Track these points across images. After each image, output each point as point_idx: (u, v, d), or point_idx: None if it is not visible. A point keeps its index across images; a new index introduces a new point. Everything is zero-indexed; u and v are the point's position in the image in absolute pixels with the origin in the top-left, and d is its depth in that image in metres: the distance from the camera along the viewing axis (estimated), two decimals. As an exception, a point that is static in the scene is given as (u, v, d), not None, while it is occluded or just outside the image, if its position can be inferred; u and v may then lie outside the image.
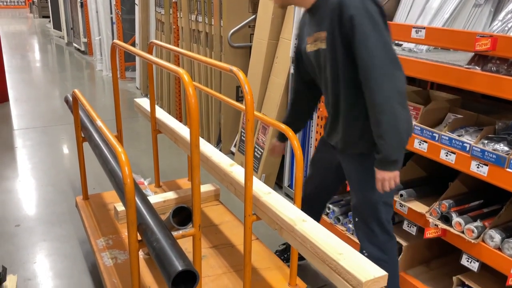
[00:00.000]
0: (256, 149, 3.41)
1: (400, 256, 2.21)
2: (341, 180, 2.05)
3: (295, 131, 1.95)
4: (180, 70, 1.44)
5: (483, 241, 1.81)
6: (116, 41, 2.19)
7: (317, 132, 2.77)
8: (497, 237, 1.76)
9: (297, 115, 2.09)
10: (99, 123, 1.65)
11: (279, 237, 1.56)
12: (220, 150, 4.03)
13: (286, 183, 3.30)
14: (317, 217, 2.22)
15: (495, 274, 1.88)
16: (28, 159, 3.86)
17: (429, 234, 1.96)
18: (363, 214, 1.82)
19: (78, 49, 9.58)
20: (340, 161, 1.87)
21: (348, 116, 1.71)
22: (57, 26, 11.37)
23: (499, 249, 1.76)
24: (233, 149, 4.03)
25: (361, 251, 1.84)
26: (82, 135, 2.37)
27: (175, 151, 4.01)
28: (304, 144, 3.07)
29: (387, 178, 1.61)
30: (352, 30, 1.51)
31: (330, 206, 2.72)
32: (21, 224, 2.81)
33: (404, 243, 2.22)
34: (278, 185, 3.44)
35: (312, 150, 2.96)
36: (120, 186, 1.67)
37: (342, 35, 1.55)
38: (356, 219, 1.87)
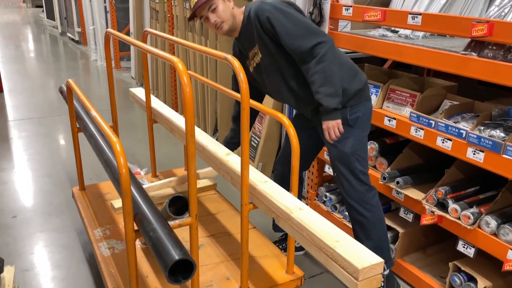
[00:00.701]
0: (252, 138, 3.40)
1: (397, 243, 2.22)
2: (315, 147, 2.24)
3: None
4: (174, 58, 1.42)
5: (479, 227, 1.82)
6: (109, 30, 2.17)
7: (313, 120, 2.76)
8: (493, 223, 1.77)
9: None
10: (94, 113, 1.64)
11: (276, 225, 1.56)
12: (217, 139, 4.02)
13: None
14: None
15: (491, 260, 1.89)
16: (24, 150, 3.84)
17: (426, 220, 1.97)
18: (338, 167, 1.97)
19: (72, 39, 9.49)
20: (316, 126, 2.03)
21: (307, 92, 1.90)
22: (51, 15, 11.24)
23: (495, 234, 1.77)
24: (229, 138, 4.02)
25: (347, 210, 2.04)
26: (77, 126, 2.35)
27: (171, 141, 4.00)
28: (300, 133, 3.06)
29: (331, 126, 1.86)
30: (273, 28, 1.79)
31: (327, 194, 2.73)
32: (17, 215, 2.80)
33: (400, 230, 2.23)
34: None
35: (308, 139, 2.96)
36: (116, 176, 1.66)
37: (268, 35, 1.83)
38: (335, 174, 2.02)
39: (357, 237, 2.01)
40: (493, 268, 1.91)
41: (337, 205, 2.68)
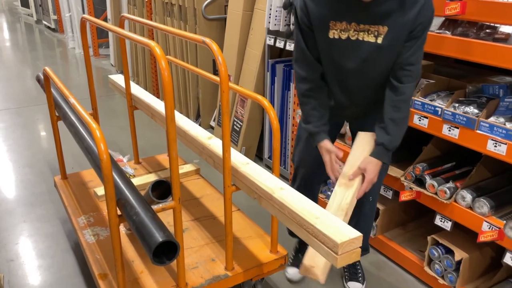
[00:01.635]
0: (235, 122, 3.41)
1: (377, 220, 2.28)
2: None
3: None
4: (151, 42, 1.41)
5: (455, 201, 1.88)
6: (85, 15, 2.13)
7: (294, 102, 2.78)
8: (468, 196, 1.83)
9: (325, 112, 1.79)
10: (72, 100, 1.62)
11: (261, 207, 1.59)
12: (200, 125, 4.01)
13: (266, 155, 3.33)
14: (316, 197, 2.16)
15: (467, 232, 1.96)
16: (3, 141, 3.77)
17: (404, 197, 2.02)
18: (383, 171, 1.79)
19: (48, 27, 9.27)
20: (352, 126, 1.98)
21: (375, 101, 1.73)
22: (25, 3, 10.92)
23: (470, 208, 1.84)
24: (212, 123, 4.02)
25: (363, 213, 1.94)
26: (57, 114, 2.33)
27: (154, 127, 3.98)
28: (282, 116, 3.09)
29: (377, 167, 1.66)
30: (417, 35, 1.54)
31: (310, 175, 2.77)
32: (0, 206, 2.78)
33: (381, 207, 2.29)
34: (258, 157, 3.47)
35: (290, 121, 2.98)
36: (97, 162, 1.66)
37: (407, 36, 1.55)
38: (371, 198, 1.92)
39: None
40: (469, 240, 1.98)
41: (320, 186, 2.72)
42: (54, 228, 2.55)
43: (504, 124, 1.69)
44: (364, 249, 1.98)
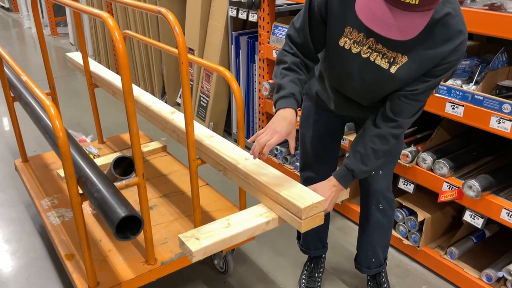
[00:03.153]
0: (201, 97, 3.37)
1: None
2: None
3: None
4: (103, 13, 1.36)
5: (417, 164, 1.93)
6: (34, -11, 2.03)
7: (259, 75, 2.76)
8: (429, 159, 1.88)
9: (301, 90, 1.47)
10: (25, 77, 1.55)
11: (231, 181, 1.57)
12: (166, 102, 3.95)
13: (234, 129, 3.32)
14: None
15: (429, 194, 2.03)
16: (-41, 127, 3.61)
17: (369, 163, 2.06)
18: (392, 163, 1.68)
19: (2, 6, 8.79)
20: (357, 122, 1.71)
21: (372, 105, 1.52)
22: (-26, -19, 10.29)
23: (431, 170, 1.89)
24: (179, 100, 3.96)
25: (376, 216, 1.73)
26: (12, 95, 2.23)
27: (118, 107, 3.88)
28: (248, 88, 3.07)
29: (336, 192, 1.48)
30: (436, 74, 1.30)
31: (278, 147, 2.79)
32: (-41, 194, 2.68)
33: (347, 174, 2.33)
34: (227, 132, 3.46)
35: (256, 94, 2.96)
36: (55, 141, 1.61)
37: (431, 65, 1.30)
38: (381, 172, 1.64)
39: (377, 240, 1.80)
40: (431, 201, 2.05)
41: (288, 157, 2.75)
42: (19, 212, 2.49)
43: (461, 86, 1.73)
44: (379, 265, 1.82)
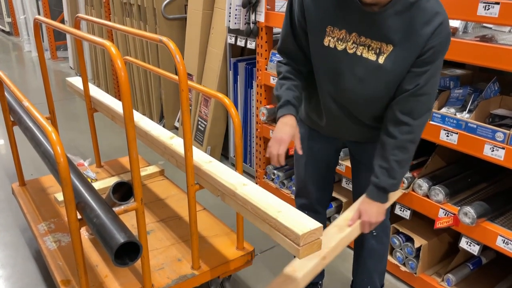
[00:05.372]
0: (199, 122, 3.40)
1: (341, 212, 2.33)
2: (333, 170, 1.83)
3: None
4: (106, 42, 1.39)
5: (413, 190, 1.95)
6: (38, 17, 2.07)
7: (257, 100, 2.80)
8: (425, 185, 1.90)
9: (300, 95, 1.53)
10: (26, 103, 1.58)
11: (228, 206, 1.59)
12: (164, 126, 3.97)
13: (232, 153, 3.34)
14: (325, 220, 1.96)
15: (425, 220, 2.04)
16: (-44, 150, 3.61)
17: (365, 188, 2.08)
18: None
19: (3, 30, 8.90)
20: (352, 150, 1.70)
21: (371, 123, 1.52)
22: (-24, 5, 10.44)
23: (427, 196, 1.91)
24: (177, 124, 3.99)
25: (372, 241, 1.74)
26: (12, 119, 2.25)
27: (116, 130, 3.91)
28: (246, 114, 3.10)
29: (375, 212, 1.48)
30: (427, 61, 1.30)
31: (275, 172, 2.80)
32: (-46, 218, 2.66)
33: (344, 199, 2.34)
34: (224, 156, 3.47)
35: (254, 119, 3.00)
36: (55, 167, 1.62)
37: (415, 61, 1.31)
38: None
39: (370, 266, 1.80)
40: (428, 227, 2.06)
41: (285, 182, 2.76)
42: (14, 236, 2.47)
43: (455, 115, 1.77)
44: None
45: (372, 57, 1.33)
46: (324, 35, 1.38)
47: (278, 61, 1.57)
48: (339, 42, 1.36)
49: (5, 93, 2.21)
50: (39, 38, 2.22)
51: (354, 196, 1.73)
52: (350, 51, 1.35)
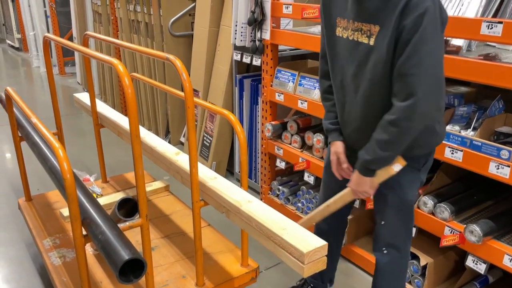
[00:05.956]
0: (205, 137, 3.42)
1: (346, 229, 2.32)
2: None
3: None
4: (114, 60, 1.42)
5: (418, 207, 1.94)
6: (47, 34, 2.12)
7: (262, 116, 2.82)
8: (430, 202, 1.89)
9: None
10: (34, 119, 1.60)
11: (232, 222, 1.59)
12: (169, 141, 4.00)
13: (237, 169, 3.35)
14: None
15: (430, 238, 2.03)
16: (-36, 164, 3.64)
17: (370, 205, 2.07)
18: (393, 216, 1.65)
19: (12, 46, 9.06)
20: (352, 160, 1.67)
21: (373, 127, 1.48)
22: (-13, 22, 10.65)
23: (432, 213, 1.90)
24: (182, 139, 4.01)
25: (381, 250, 1.71)
26: (19, 134, 2.27)
27: (122, 146, 3.93)
28: (251, 130, 3.12)
29: (363, 184, 1.54)
30: (406, 38, 1.30)
31: (280, 187, 2.80)
32: (-40, 232, 2.67)
33: (349, 216, 2.33)
34: (229, 171, 3.48)
35: (259, 135, 3.01)
36: (61, 182, 1.63)
37: (396, 39, 1.32)
38: (382, 222, 1.67)
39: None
40: (433, 244, 2.04)
41: (290, 198, 2.76)
42: (19, 251, 2.47)
43: (460, 132, 1.77)
44: None
45: (365, 40, 1.41)
46: (335, 26, 1.52)
47: (320, 71, 1.72)
48: (343, 30, 1.49)
49: (14, 109, 2.25)
50: (48, 55, 2.26)
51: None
52: (351, 38, 1.46)
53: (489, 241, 1.73)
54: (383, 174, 1.51)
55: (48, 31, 6.54)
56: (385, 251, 1.69)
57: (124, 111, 4.75)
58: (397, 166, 1.48)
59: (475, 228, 1.70)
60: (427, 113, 1.36)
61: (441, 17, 1.32)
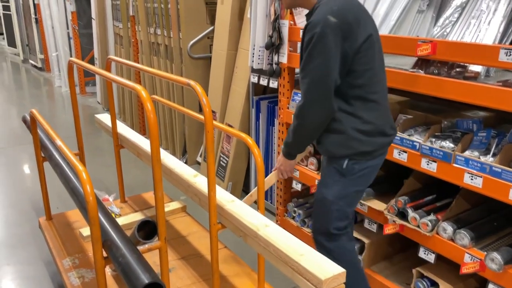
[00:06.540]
0: (221, 158, 3.45)
1: (364, 254, 2.30)
2: None
3: None
4: (137, 86, 1.46)
5: (437, 233, 1.92)
6: (72, 58, 2.19)
7: (279, 138, 2.84)
8: (449, 229, 1.87)
9: None
10: (59, 142, 1.65)
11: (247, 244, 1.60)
12: (186, 161, 4.04)
13: (252, 189, 3.35)
14: None
15: (450, 264, 1.99)
16: (-13, 182, 3.74)
17: (388, 230, 2.06)
18: (316, 208, 1.91)
19: (35, 66, 9.33)
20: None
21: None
22: (12, 43, 11.02)
23: (452, 240, 1.87)
24: (199, 159, 4.05)
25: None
26: (42, 155, 2.34)
27: (140, 165, 3.99)
28: (267, 151, 3.14)
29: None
30: (305, 49, 1.65)
31: (296, 209, 2.80)
32: (-18, 249, 2.73)
33: (366, 241, 2.31)
34: (245, 192, 3.49)
35: (275, 156, 3.03)
36: (83, 204, 1.67)
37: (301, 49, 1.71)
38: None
39: None
40: (453, 271, 2.00)
41: (306, 220, 2.75)
42: (38, 271, 2.51)
43: (479, 158, 1.75)
44: None
45: None
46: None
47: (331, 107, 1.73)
48: None
49: (38, 130, 2.31)
50: (72, 78, 2.33)
51: None
52: None
53: (510, 269, 1.69)
54: (297, 158, 1.95)
55: (71, 52, 6.74)
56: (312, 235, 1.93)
57: (142, 130, 4.82)
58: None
59: (496, 256, 1.67)
60: (311, 115, 1.68)
61: (335, 33, 1.58)
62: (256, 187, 1.81)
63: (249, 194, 2.13)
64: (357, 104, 1.67)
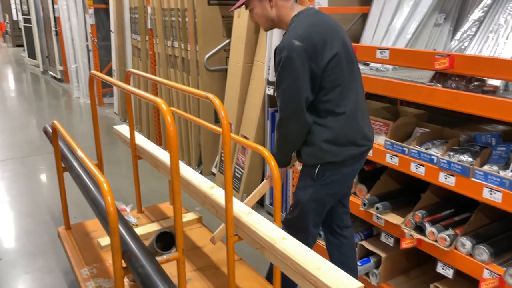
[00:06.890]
0: (236, 169, 3.47)
1: (380, 268, 2.28)
2: None
3: None
4: (157, 99, 1.50)
5: (455, 248, 1.89)
6: (94, 72, 2.25)
7: (294, 150, 2.85)
8: (468, 244, 1.85)
9: None
10: (80, 153, 1.69)
11: (263, 256, 1.61)
12: (201, 171, 4.07)
13: (267, 201, 3.36)
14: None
15: (468, 279, 1.96)
16: (6, 191, 3.81)
17: (405, 244, 2.04)
18: (293, 207, 2.02)
19: (54, 77, 9.53)
20: None
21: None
22: (32, 54, 11.30)
23: (471, 255, 1.85)
24: (214, 170, 4.08)
25: None
26: (63, 165, 2.38)
27: (156, 175, 4.01)
28: (283, 163, 3.14)
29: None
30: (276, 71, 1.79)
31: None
32: (2, 258, 2.78)
33: (383, 255, 2.29)
34: (260, 203, 3.49)
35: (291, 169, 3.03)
36: (103, 215, 1.70)
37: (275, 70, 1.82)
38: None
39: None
40: (471, 287, 1.97)
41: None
42: (56, 280, 2.54)
43: (498, 172, 1.74)
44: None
45: None
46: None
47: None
48: None
49: (59, 141, 2.37)
50: (92, 90, 2.39)
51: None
52: None
53: (532, 286, 1.66)
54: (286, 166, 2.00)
55: (89, 64, 6.88)
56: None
57: (158, 140, 4.88)
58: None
59: (517, 272, 1.65)
60: (288, 129, 1.83)
61: (300, 56, 1.69)
62: (254, 192, 1.99)
63: (248, 197, 2.05)
64: (327, 117, 1.81)
